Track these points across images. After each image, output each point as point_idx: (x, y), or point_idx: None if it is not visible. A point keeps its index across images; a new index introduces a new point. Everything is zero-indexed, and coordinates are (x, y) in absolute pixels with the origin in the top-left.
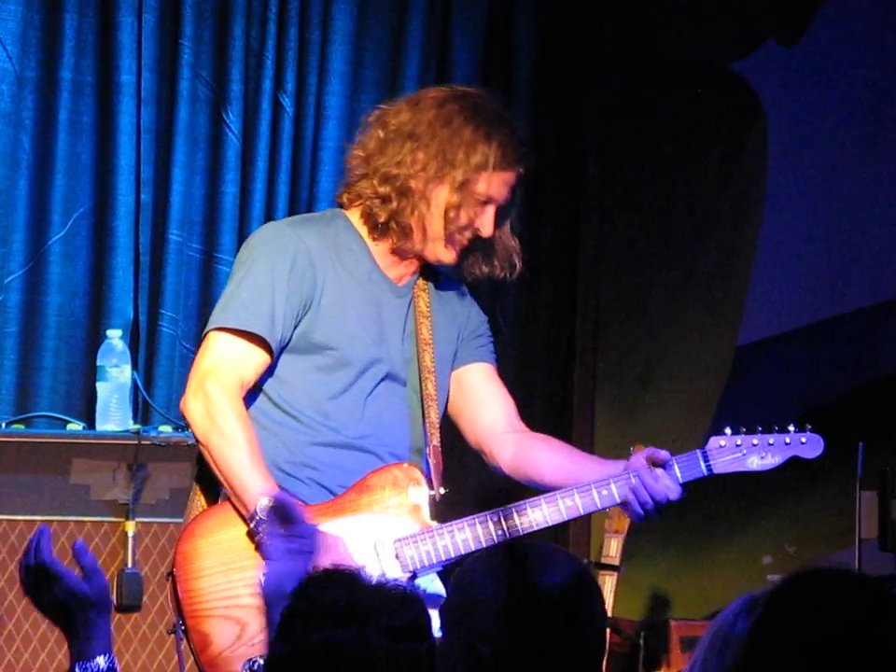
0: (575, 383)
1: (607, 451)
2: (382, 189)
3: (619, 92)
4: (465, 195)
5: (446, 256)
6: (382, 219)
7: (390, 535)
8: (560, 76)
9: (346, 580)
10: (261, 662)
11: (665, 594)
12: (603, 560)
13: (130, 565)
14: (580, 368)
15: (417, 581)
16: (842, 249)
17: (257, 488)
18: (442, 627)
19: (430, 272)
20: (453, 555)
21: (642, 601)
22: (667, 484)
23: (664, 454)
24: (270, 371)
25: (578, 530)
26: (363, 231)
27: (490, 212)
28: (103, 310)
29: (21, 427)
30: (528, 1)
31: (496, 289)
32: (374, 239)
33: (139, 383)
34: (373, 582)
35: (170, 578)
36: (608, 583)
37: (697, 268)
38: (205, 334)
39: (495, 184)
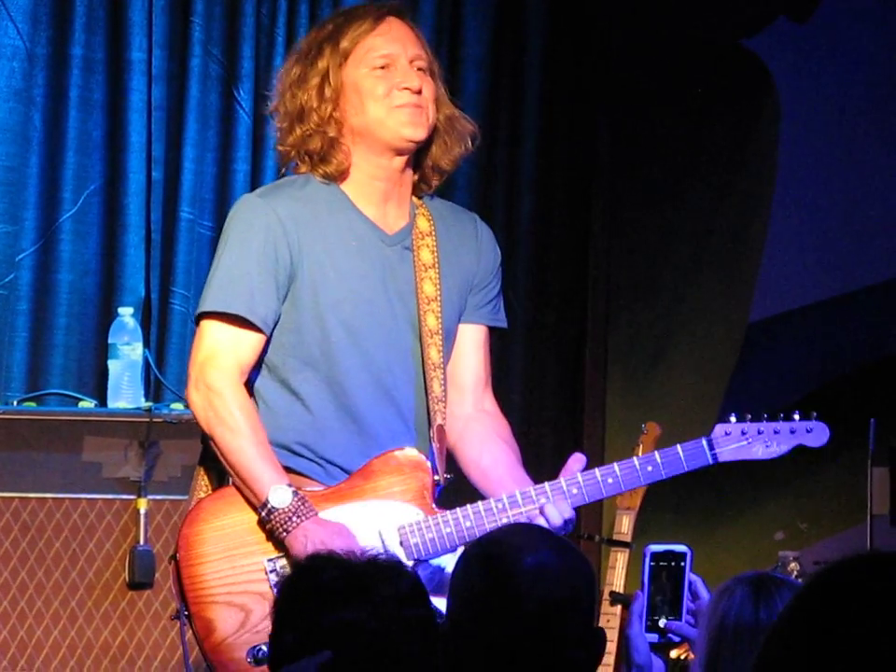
0: (586, 362)
1: (618, 430)
2: (302, 127)
3: (630, 72)
4: (360, 70)
5: (405, 129)
6: (315, 146)
7: (394, 521)
8: (571, 55)
9: (338, 560)
10: (265, 649)
11: None
12: (615, 536)
13: (142, 542)
14: (591, 347)
15: (430, 565)
16: (854, 225)
17: (265, 478)
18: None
19: (438, 213)
20: (458, 543)
21: None
22: (551, 512)
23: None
24: (268, 345)
25: (589, 507)
26: (331, 181)
27: (402, 68)
28: (114, 287)
29: (33, 404)
30: None
31: (507, 269)
32: (342, 180)
33: (151, 360)
34: (365, 558)
35: (173, 562)
36: (619, 560)
37: (709, 246)
38: (196, 320)
39: (377, 44)
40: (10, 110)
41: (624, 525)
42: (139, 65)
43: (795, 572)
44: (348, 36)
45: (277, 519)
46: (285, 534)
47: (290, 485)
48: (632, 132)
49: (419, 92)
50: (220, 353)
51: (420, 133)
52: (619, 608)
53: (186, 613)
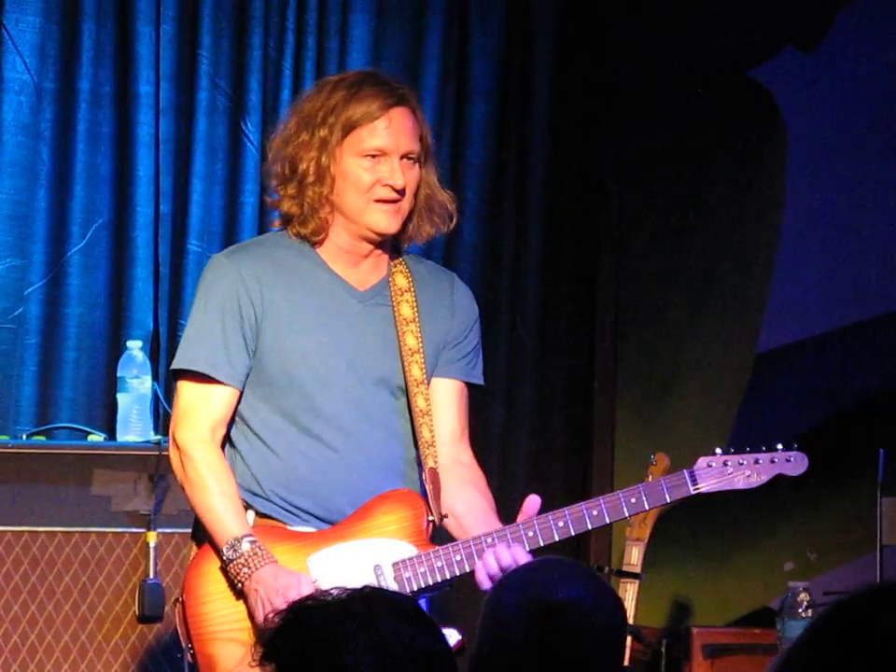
0: (595, 392)
1: (628, 461)
2: (291, 188)
3: (637, 102)
4: (352, 156)
5: (380, 222)
6: (296, 211)
7: (390, 558)
8: (578, 86)
9: (321, 605)
10: None
11: (687, 601)
12: (624, 568)
13: (151, 575)
14: (600, 377)
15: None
16: (861, 255)
17: (224, 532)
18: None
19: (416, 271)
20: (448, 576)
21: (664, 609)
22: (506, 557)
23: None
24: (241, 399)
25: (599, 538)
26: (305, 241)
27: (391, 163)
28: (123, 321)
29: (43, 438)
30: (546, 12)
31: (515, 299)
32: (317, 244)
33: (160, 393)
34: (346, 595)
35: (178, 603)
36: (629, 591)
37: (716, 276)
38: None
39: (375, 133)
40: (18, 144)
41: (634, 557)
42: (147, 99)
43: (805, 602)
44: (351, 118)
45: (233, 571)
46: (240, 585)
47: (247, 536)
48: (640, 162)
49: (401, 190)
50: (192, 411)
51: (392, 228)
52: (629, 639)
53: (191, 651)
